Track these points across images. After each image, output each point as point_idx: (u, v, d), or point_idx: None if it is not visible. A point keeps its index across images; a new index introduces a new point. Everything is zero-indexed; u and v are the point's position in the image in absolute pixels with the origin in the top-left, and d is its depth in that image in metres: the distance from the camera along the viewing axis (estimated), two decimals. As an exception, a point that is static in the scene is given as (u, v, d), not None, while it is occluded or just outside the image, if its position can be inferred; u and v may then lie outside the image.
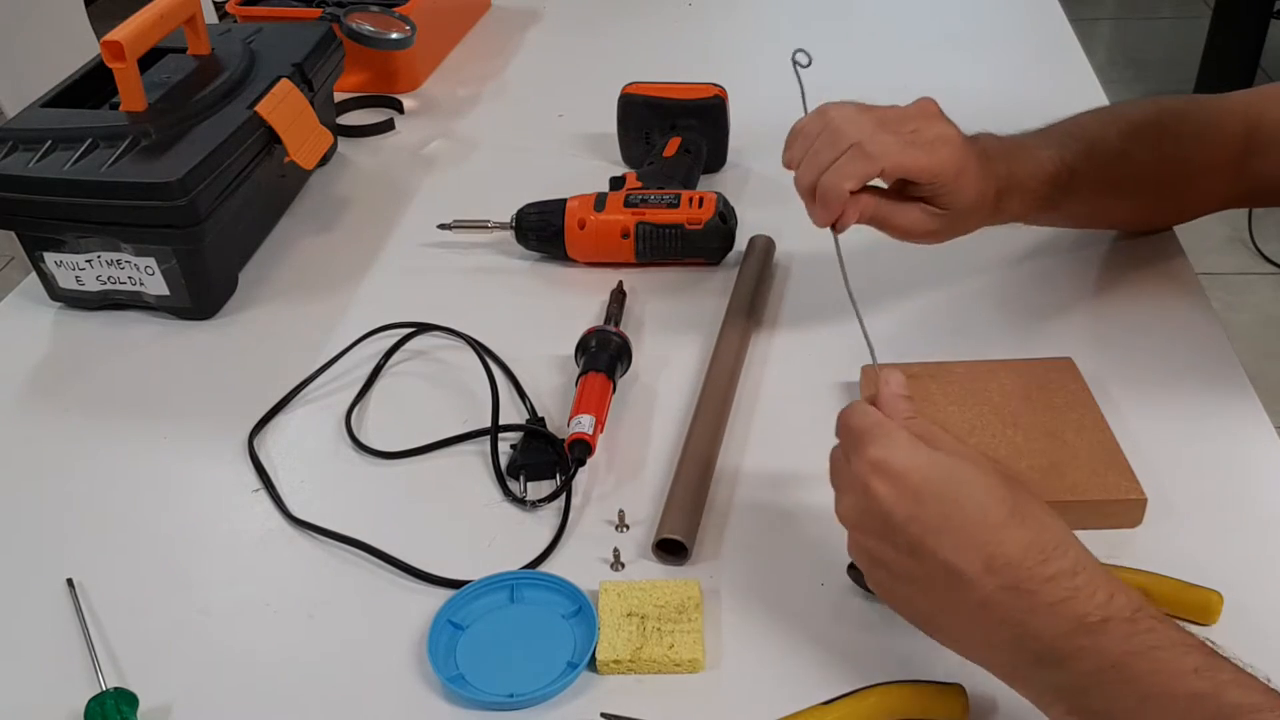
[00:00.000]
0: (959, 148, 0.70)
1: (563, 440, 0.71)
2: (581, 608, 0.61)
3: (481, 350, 0.81)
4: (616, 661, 0.58)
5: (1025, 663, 0.48)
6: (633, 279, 0.88)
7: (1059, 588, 0.48)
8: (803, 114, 0.70)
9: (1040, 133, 0.79)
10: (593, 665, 0.59)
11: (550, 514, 0.68)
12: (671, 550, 0.65)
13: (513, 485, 0.70)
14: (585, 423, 0.70)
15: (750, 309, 0.82)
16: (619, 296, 0.85)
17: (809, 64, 0.67)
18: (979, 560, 0.49)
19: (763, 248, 0.89)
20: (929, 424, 0.54)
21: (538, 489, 0.70)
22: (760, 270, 0.86)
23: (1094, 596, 0.47)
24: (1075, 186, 0.77)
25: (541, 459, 0.71)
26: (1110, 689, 0.45)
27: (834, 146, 0.67)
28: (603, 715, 0.56)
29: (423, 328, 0.84)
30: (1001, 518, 0.50)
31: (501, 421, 0.75)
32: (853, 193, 0.67)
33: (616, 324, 0.81)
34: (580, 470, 0.70)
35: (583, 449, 0.70)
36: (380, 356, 0.82)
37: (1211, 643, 0.46)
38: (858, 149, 0.66)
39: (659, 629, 0.59)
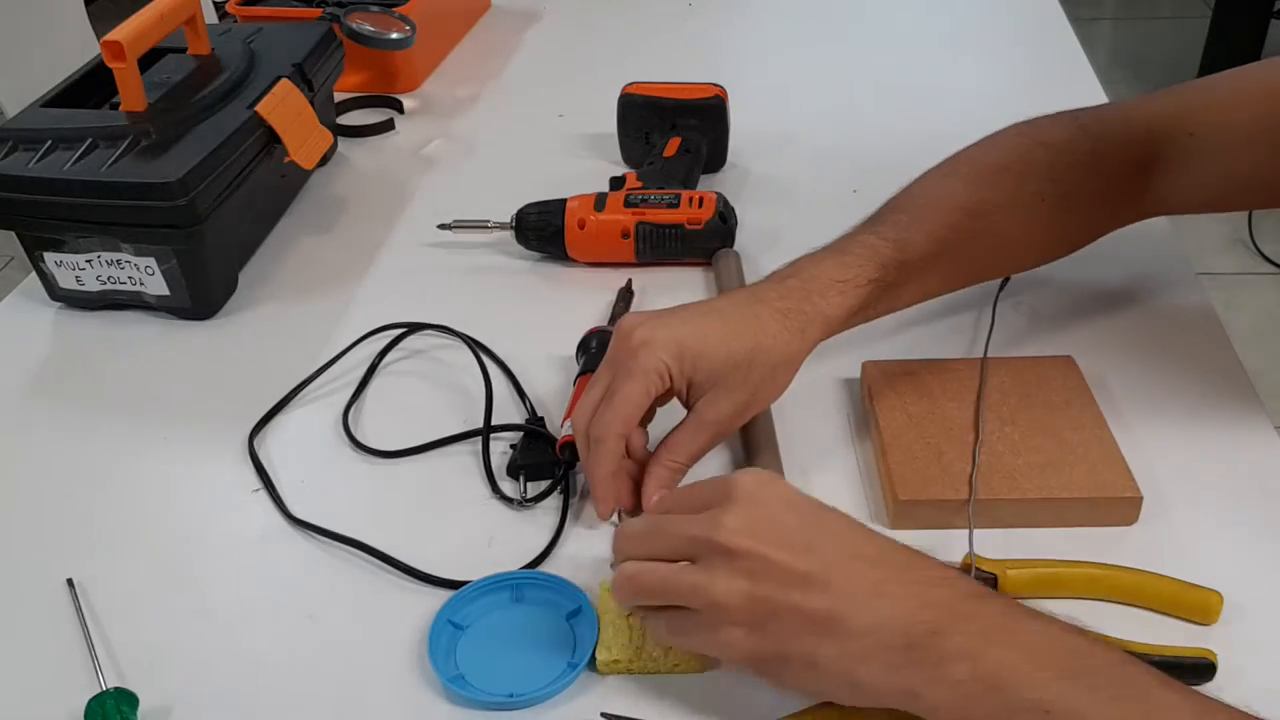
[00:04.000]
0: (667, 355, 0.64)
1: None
2: (582, 608, 0.61)
3: (477, 349, 0.81)
4: (616, 661, 0.58)
5: (925, 634, 0.49)
6: (633, 279, 0.88)
7: (943, 567, 0.53)
8: None
9: (853, 234, 0.71)
10: (593, 665, 0.59)
11: (551, 514, 0.68)
12: None
13: (513, 485, 0.70)
14: (578, 424, 0.70)
15: None
16: (626, 296, 0.85)
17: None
18: (870, 553, 0.53)
19: (732, 265, 0.87)
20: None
21: (538, 489, 0.70)
22: (738, 285, 0.84)
23: (973, 581, 0.54)
24: (908, 275, 0.70)
25: (541, 459, 0.71)
26: (1001, 647, 0.48)
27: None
28: (603, 715, 0.56)
29: (414, 327, 0.84)
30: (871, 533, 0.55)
31: (503, 421, 0.75)
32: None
33: (619, 325, 0.81)
34: (576, 470, 0.70)
35: (573, 451, 0.69)
36: (376, 356, 0.82)
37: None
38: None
39: None
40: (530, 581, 0.63)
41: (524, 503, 0.69)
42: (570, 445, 0.69)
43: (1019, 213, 0.74)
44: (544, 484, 0.70)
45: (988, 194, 0.73)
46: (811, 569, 0.51)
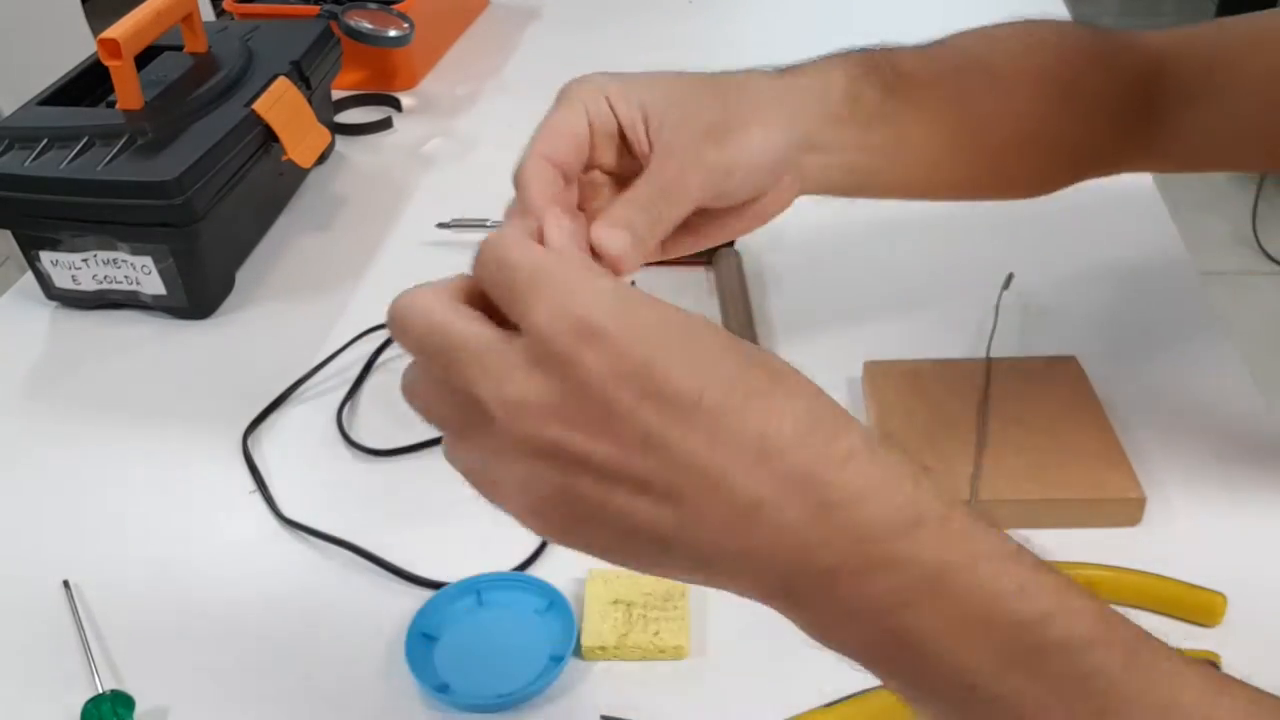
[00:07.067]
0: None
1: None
2: (553, 602, 0.61)
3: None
4: (602, 648, 0.58)
5: (809, 583, 0.35)
6: (634, 280, 0.87)
7: (856, 474, 0.35)
8: None
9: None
10: (578, 654, 0.59)
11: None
12: None
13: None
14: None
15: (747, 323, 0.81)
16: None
17: None
18: (749, 448, 0.35)
19: (732, 265, 0.87)
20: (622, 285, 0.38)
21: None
22: (739, 286, 0.84)
23: (901, 486, 0.35)
24: (902, 91, 0.60)
25: None
26: (922, 611, 0.35)
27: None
28: (603, 718, 0.56)
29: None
30: (764, 383, 0.36)
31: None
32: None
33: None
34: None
35: None
36: (372, 354, 0.82)
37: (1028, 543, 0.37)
38: None
39: (645, 615, 0.59)
40: (496, 583, 0.63)
41: None
42: None
43: (1022, 83, 0.63)
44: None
45: (987, 50, 0.64)
46: (650, 472, 0.35)
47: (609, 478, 0.35)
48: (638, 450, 0.35)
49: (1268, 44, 0.64)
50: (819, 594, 0.35)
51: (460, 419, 0.38)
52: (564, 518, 0.37)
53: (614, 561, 0.38)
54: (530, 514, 0.37)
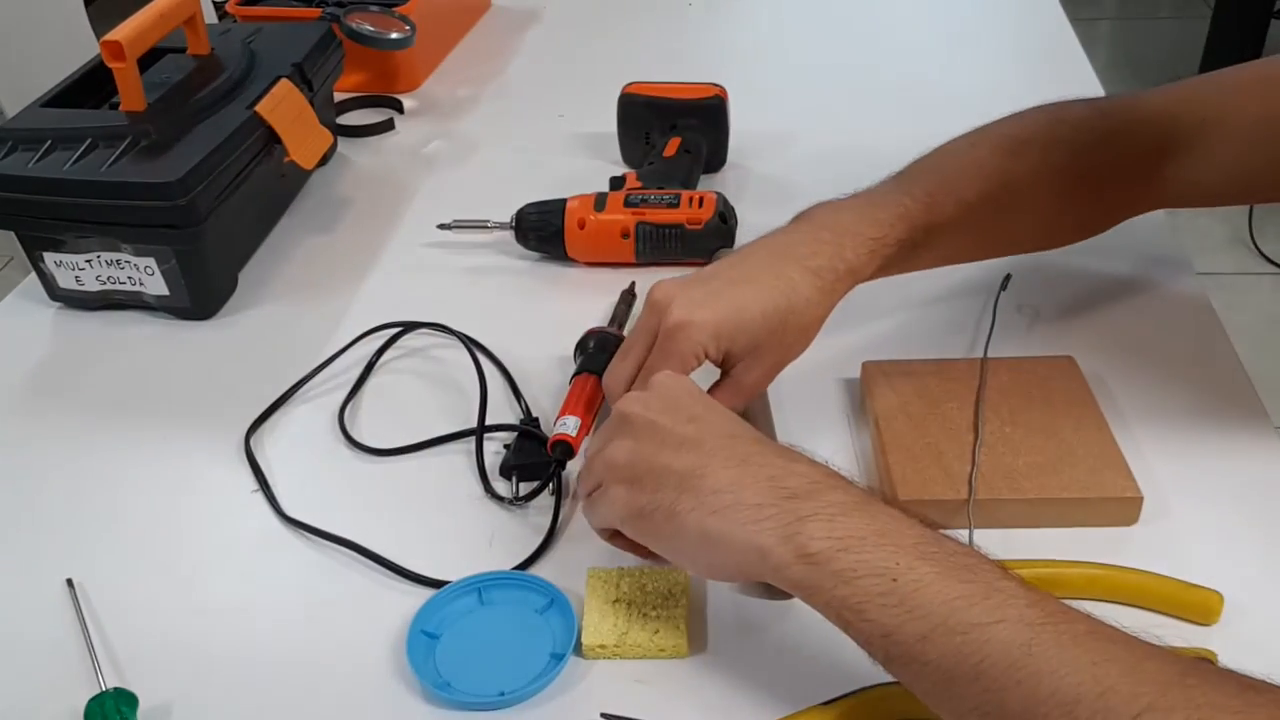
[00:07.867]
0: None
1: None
2: (554, 600, 0.61)
3: (473, 348, 0.81)
4: (602, 646, 0.59)
5: (781, 498, 0.53)
6: (635, 280, 0.88)
7: (809, 458, 0.56)
8: None
9: (883, 189, 0.72)
10: (578, 653, 0.59)
11: (543, 514, 0.68)
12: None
13: (506, 485, 0.70)
14: (569, 424, 0.70)
15: None
16: (628, 298, 0.85)
17: None
18: (752, 434, 0.58)
19: None
20: None
21: (530, 489, 0.70)
22: None
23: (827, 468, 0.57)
24: (932, 238, 0.71)
25: (533, 460, 0.71)
26: (855, 518, 0.52)
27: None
28: (603, 716, 0.56)
29: (411, 326, 0.84)
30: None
31: (499, 421, 0.75)
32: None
33: (621, 326, 0.81)
34: (568, 471, 0.70)
35: (564, 450, 0.69)
36: (373, 355, 0.82)
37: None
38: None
39: (644, 614, 0.60)
40: (498, 582, 0.63)
41: (516, 502, 0.69)
42: (561, 444, 0.69)
43: (1041, 187, 0.75)
44: (538, 484, 0.70)
45: (1013, 165, 0.74)
46: (688, 434, 0.57)
47: (663, 440, 0.57)
48: (684, 421, 0.58)
49: (1249, 93, 0.73)
50: (784, 510, 0.52)
51: (609, 430, 0.60)
52: (633, 475, 0.57)
53: (652, 517, 0.56)
54: (620, 481, 0.57)
